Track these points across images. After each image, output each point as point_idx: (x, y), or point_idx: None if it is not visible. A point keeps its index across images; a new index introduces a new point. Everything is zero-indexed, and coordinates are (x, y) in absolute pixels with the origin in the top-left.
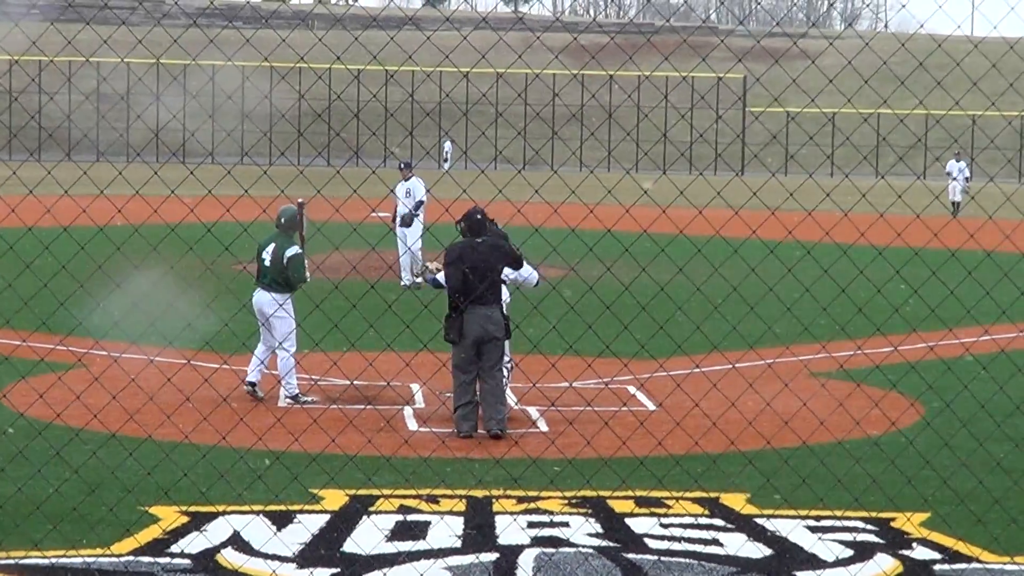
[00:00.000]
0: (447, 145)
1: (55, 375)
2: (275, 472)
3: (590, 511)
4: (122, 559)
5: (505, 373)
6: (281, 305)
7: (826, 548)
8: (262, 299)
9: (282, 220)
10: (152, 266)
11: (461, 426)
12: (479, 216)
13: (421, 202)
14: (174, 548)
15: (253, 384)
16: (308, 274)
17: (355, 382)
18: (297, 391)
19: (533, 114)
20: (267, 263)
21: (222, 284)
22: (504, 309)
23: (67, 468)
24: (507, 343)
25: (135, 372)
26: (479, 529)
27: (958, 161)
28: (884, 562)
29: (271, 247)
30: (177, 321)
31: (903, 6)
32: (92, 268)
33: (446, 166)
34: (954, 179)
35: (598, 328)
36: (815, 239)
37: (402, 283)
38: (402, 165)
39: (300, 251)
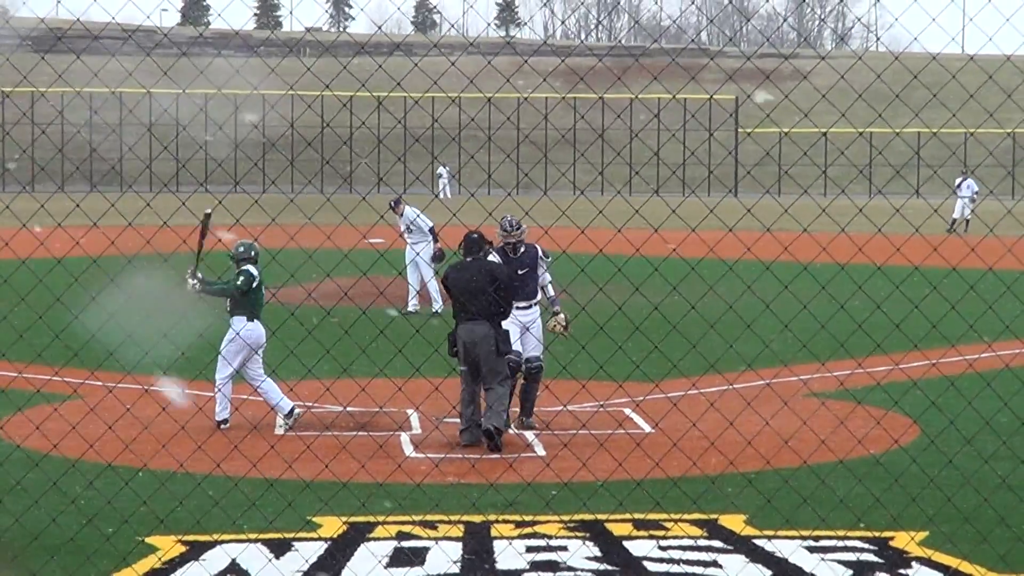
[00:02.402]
0: (442, 171)
1: (51, 406)
2: (271, 500)
3: (588, 534)
4: None
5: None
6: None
7: (826, 569)
8: (264, 332)
9: (252, 253)
10: (145, 296)
11: (464, 437)
12: (474, 236)
13: (432, 228)
14: None
15: (227, 420)
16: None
17: (348, 408)
18: (291, 405)
19: (525, 138)
20: (264, 296)
21: (215, 313)
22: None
23: (64, 499)
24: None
25: (130, 402)
26: (477, 554)
27: (965, 179)
28: None
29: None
30: (170, 351)
31: (896, 19)
32: (86, 299)
33: (443, 193)
34: (961, 196)
35: (592, 350)
36: (811, 258)
37: (408, 308)
38: (392, 204)
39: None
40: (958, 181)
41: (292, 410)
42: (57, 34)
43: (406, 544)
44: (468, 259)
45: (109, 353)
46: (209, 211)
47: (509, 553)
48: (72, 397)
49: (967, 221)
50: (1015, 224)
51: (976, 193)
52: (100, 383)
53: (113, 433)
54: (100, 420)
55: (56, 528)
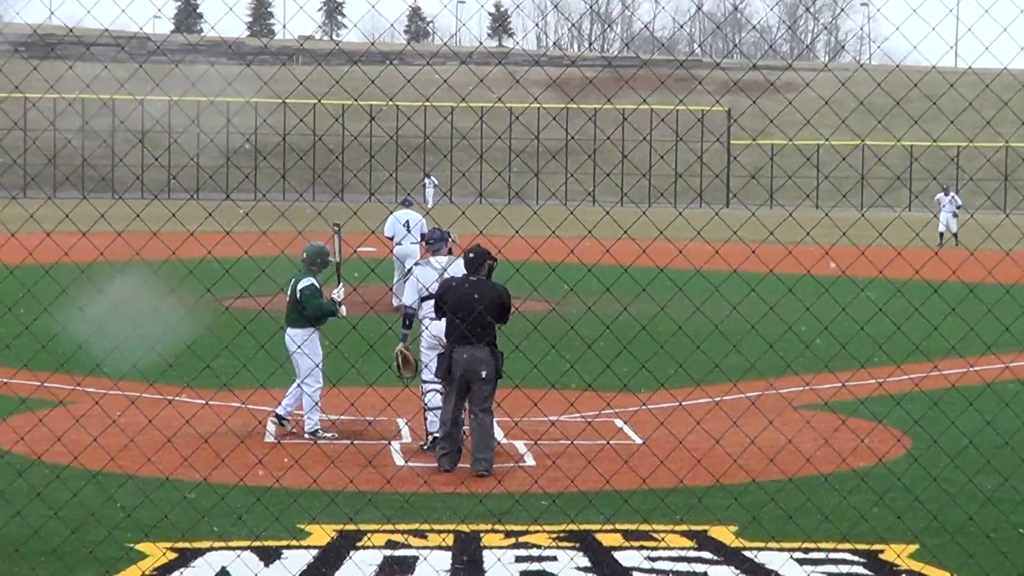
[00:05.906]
0: (427, 181)
1: (35, 414)
2: (261, 511)
3: (578, 545)
4: None
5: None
6: (303, 342)
7: None
8: (287, 335)
9: (304, 256)
10: (135, 304)
11: (442, 463)
12: (471, 254)
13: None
14: None
15: (279, 416)
16: (339, 307)
17: (337, 418)
18: (317, 427)
19: (518, 149)
20: (288, 299)
21: (204, 323)
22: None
23: (49, 508)
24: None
25: (118, 411)
26: (467, 564)
27: (947, 194)
28: None
29: (292, 283)
30: (159, 360)
31: (886, 38)
32: (73, 307)
33: (428, 203)
34: (945, 211)
35: (581, 364)
36: (800, 271)
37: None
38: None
39: (313, 282)
40: (938, 196)
41: (316, 432)
42: (50, 42)
43: (395, 553)
44: (472, 278)
45: (97, 363)
46: (338, 225)
47: (500, 564)
48: (58, 405)
49: (955, 235)
50: (1006, 237)
51: (960, 207)
52: (90, 389)
53: (99, 443)
54: (84, 431)
55: (38, 538)
